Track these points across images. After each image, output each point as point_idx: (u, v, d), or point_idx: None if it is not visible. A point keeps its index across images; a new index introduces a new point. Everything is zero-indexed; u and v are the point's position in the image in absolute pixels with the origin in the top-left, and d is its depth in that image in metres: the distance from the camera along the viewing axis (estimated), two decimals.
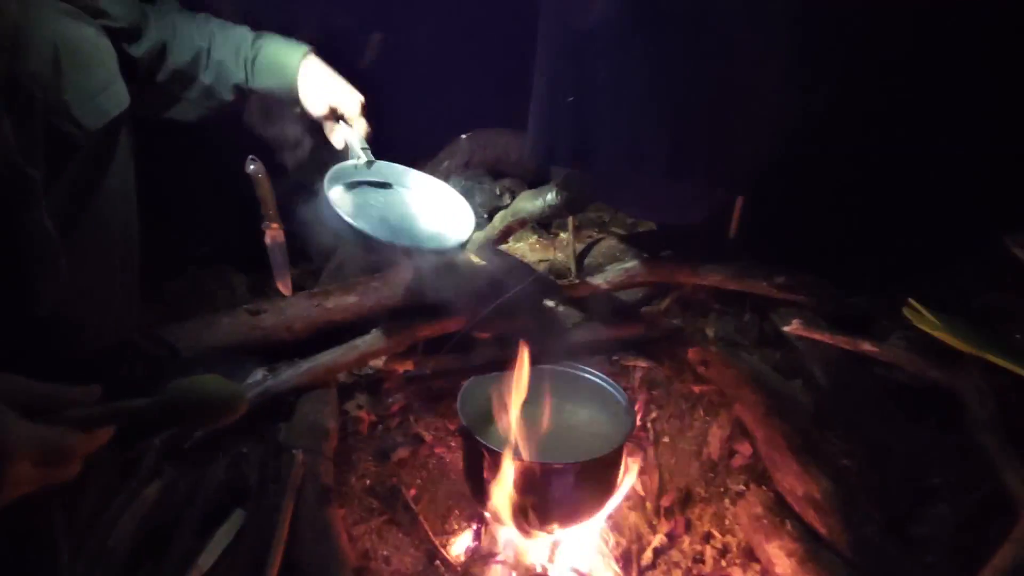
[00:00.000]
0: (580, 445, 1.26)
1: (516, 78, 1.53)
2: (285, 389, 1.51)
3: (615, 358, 1.68)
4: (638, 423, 1.66)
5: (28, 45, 0.91)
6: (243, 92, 1.32)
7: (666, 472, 1.56)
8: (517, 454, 1.13)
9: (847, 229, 1.67)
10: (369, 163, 1.31)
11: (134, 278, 1.25)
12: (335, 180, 1.28)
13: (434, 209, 1.37)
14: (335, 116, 1.32)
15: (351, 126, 1.32)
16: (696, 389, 1.62)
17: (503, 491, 1.18)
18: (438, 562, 1.35)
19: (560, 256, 1.87)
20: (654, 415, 1.65)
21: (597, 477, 1.18)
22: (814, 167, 1.59)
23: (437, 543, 1.38)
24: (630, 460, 1.57)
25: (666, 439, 1.61)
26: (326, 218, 1.18)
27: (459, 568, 1.33)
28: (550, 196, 1.31)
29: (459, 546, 1.40)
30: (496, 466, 1.16)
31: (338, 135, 1.34)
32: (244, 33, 1.31)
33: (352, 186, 1.33)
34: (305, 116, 1.34)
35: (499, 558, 1.32)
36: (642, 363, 1.70)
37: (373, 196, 1.35)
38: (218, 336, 1.56)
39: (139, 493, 1.21)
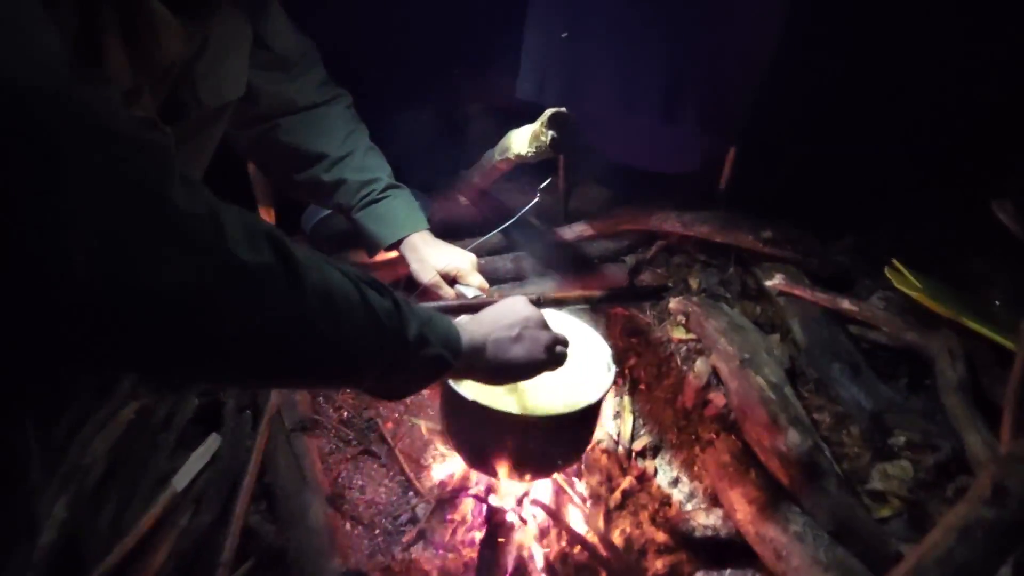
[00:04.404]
0: (558, 396, 1.27)
1: (512, 14, 1.47)
2: None
3: (597, 305, 1.68)
4: (616, 369, 1.68)
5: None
6: (339, 208, 1.36)
7: (640, 418, 1.59)
8: (491, 405, 1.13)
9: (838, 186, 1.66)
10: None
11: None
12: None
13: None
14: (447, 280, 1.37)
15: (467, 284, 1.36)
16: (675, 339, 1.63)
17: (478, 440, 1.20)
18: (411, 493, 1.39)
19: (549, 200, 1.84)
20: (632, 362, 1.67)
21: (572, 430, 1.19)
22: (808, 120, 1.56)
23: (411, 475, 1.41)
24: (605, 405, 1.61)
25: (642, 386, 1.64)
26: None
27: (432, 500, 1.36)
28: (535, 135, 1.27)
29: (433, 479, 1.43)
30: (470, 415, 1.17)
31: (451, 292, 1.37)
32: (381, 175, 1.36)
33: None
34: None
35: (470, 493, 1.35)
36: (623, 311, 1.70)
37: None
38: None
39: (115, 415, 1.22)
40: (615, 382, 1.21)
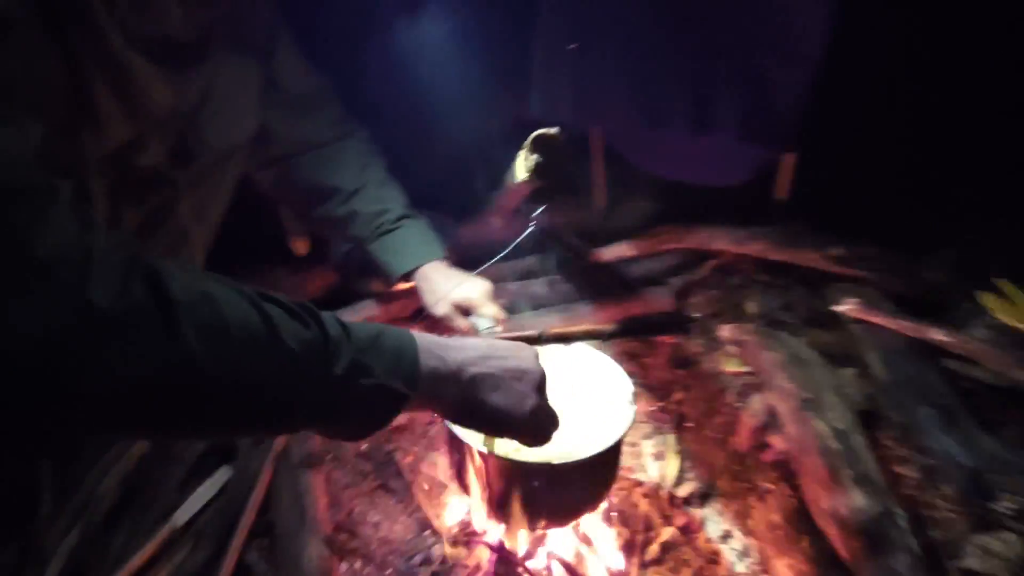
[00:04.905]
0: (570, 438, 1.15)
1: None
2: None
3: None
4: (661, 404, 1.52)
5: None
6: (355, 241, 1.35)
7: (687, 460, 1.42)
8: (492, 450, 1.02)
9: (925, 193, 1.40)
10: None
11: None
12: None
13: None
14: (462, 310, 1.29)
15: (479, 314, 1.27)
16: (728, 371, 1.45)
17: (483, 486, 1.10)
18: (427, 532, 1.30)
19: (587, 217, 1.71)
20: (679, 396, 1.50)
21: (585, 477, 1.06)
22: (883, 117, 1.33)
23: (429, 513, 1.32)
24: (647, 442, 1.45)
25: (690, 424, 1.47)
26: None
27: (448, 541, 1.27)
28: (522, 159, 1.15)
29: (451, 518, 1.34)
30: (473, 460, 1.07)
31: (465, 323, 1.30)
32: (394, 206, 1.33)
33: None
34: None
35: (485, 539, 1.24)
36: (670, 338, 1.54)
37: None
38: None
39: (129, 446, 1.22)
40: (634, 422, 1.07)
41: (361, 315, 1.58)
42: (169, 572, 1.05)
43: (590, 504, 1.12)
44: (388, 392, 0.66)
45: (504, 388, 0.78)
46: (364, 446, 1.42)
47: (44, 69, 0.71)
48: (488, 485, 1.07)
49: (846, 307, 1.36)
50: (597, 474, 1.07)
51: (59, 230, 0.51)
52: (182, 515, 1.12)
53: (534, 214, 1.18)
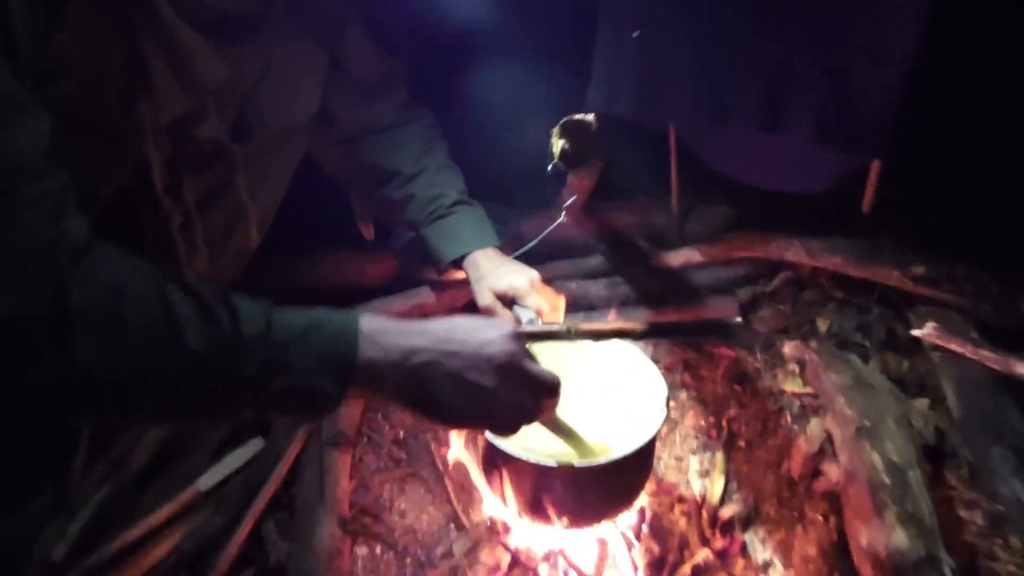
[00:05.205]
0: (596, 438, 1.10)
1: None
2: None
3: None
4: (711, 420, 1.43)
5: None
6: (409, 225, 1.34)
7: (734, 480, 1.34)
8: (515, 450, 1.00)
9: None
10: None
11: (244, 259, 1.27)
12: None
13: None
14: (506, 301, 1.23)
15: (523, 304, 1.22)
16: (788, 391, 1.35)
17: (502, 480, 1.08)
18: (452, 526, 1.30)
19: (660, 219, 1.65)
20: (732, 412, 1.41)
21: (605, 481, 1.03)
22: (985, 122, 1.19)
23: (458, 507, 1.32)
24: (693, 458, 1.38)
25: (741, 443, 1.38)
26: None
27: (472, 537, 1.26)
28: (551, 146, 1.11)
29: (478, 515, 1.32)
30: (491, 453, 1.06)
31: (507, 313, 1.25)
32: (450, 191, 1.30)
33: None
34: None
35: (506, 539, 1.22)
36: (729, 351, 1.45)
37: None
38: (288, 276, 1.62)
39: None
40: (663, 427, 1.01)
41: (414, 302, 1.60)
42: (186, 533, 1.08)
43: (610, 510, 1.07)
44: (309, 391, 0.64)
45: (457, 378, 0.70)
46: (401, 433, 1.44)
47: (100, 40, 0.75)
48: (505, 481, 1.06)
49: (923, 332, 1.23)
50: (617, 480, 1.03)
51: None
52: (207, 480, 1.15)
53: (565, 204, 1.14)
